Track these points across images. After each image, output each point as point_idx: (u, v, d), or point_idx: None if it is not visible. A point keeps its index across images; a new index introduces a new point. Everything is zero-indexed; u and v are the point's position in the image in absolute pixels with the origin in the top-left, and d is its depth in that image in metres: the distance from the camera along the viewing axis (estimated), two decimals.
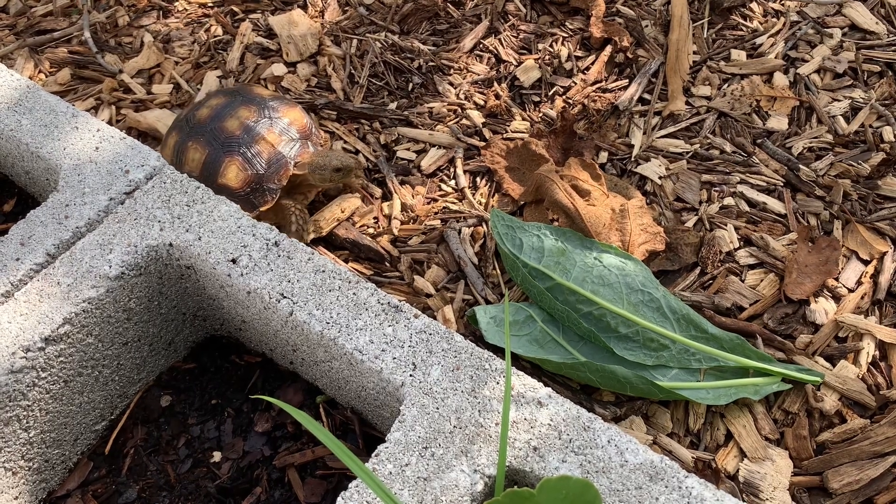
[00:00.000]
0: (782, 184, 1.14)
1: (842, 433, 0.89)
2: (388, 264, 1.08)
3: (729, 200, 1.12)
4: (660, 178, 1.15)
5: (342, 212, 1.12)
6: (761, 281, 1.03)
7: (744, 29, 1.36)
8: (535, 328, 0.96)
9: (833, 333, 0.97)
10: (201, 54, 1.38)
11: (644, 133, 1.22)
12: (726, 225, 1.09)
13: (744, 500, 0.85)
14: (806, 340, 0.97)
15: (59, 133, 0.93)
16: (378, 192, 1.17)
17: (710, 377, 0.93)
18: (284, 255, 0.81)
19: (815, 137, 1.19)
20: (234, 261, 0.81)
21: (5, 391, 0.74)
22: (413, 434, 0.68)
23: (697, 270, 1.05)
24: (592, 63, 1.32)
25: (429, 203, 1.15)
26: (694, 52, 1.32)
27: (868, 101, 1.22)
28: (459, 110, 1.27)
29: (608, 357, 0.93)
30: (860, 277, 1.03)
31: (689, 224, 1.10)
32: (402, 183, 1.18)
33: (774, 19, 1.37)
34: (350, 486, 0.66)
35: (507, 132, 1.24)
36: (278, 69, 1.33)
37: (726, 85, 1.27)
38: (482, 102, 1.27)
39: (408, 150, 1.22)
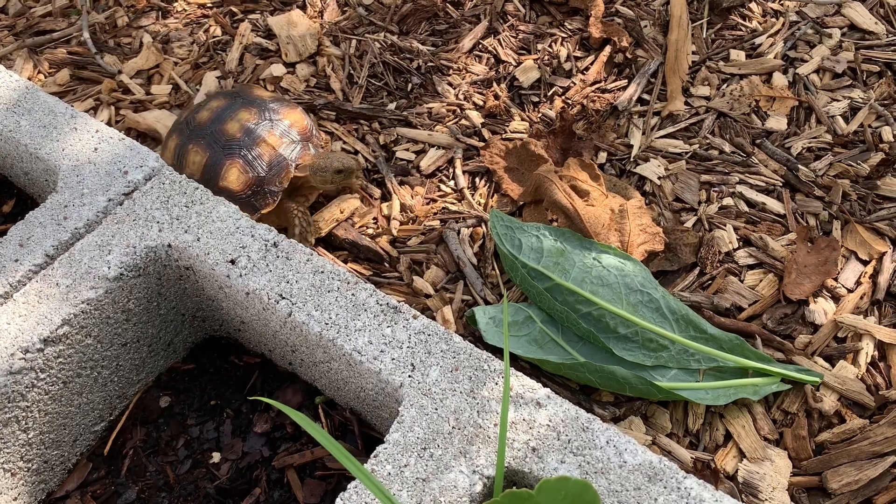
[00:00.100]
0: (781, 184, 1.14)
1: (841, 433, 0.89)
2: (387, 265, 1.08)
3: (728, 201, 1.12)
4: (659, 178, 1.15)
5: (341, 212, 1.12)
6: (760, 281, 1.03)
7: (743, 29, 1.36)
8: (534, 329, 0.96)
9: (832, 334, 0.97)
10: (200, 55, 1.38)
11: (643, 133, 1.22)
12: (725, 225, 1.09)
13: (743, 501, 0.85)
14: (805, 341, 0.97)
15: (58, 134, 0.93)
16: (377, 192, 1.17)
17: (710, 377, 0.93)
18: (283, 255, 0.81)
19: (815, 137, 1.19)
20: (232, 261, 0.81)
21: (4, 392, 0.74)
22: (412, 435, 0.68)
23: (696, 271, 1.05)
24: (591, 63, 1.32)
25: (428, 203, 1.15)
26: (693, 53, 1.32)
27: (867, 101, 1.22)
28: (458, 111, 1.27)
29: (607, 357, 0.93)
30: (859, 278, 1.03)
31: (689, 224, 1.10)
32: (401, 183, 1.18)
33: (773, 19, 1.37)
34: (349, 486, 0.66)
35: (506, 132, 1.24)
36: (277, 70, 1.33)
37: (725, 85, 1.27)
38: (481, 103, 1.28)
39: (407, 150, 1.22)
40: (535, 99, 1.28)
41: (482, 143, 1.22)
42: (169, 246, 0.83)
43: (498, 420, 0.69)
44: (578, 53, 1.34)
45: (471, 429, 0.69)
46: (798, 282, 1.02)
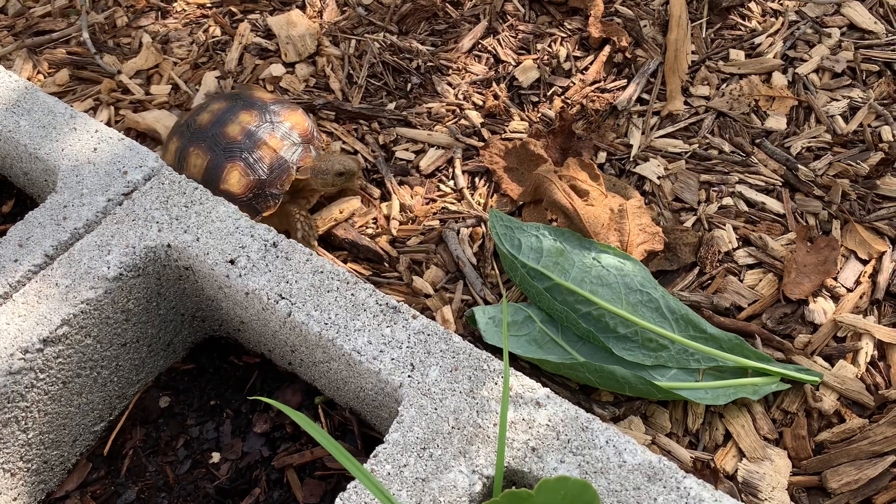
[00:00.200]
0: (781, 183, 1.14)
1: (840, 433, 0.89)
2: (386, 265, 1.08)
3: (727, 200, 1.12)
4: (658, 178, 1.15)
5: (341, 212, 1.12)
6: (760, 281, 1.03)
7: (742, 28, 1.36)
8: (533, 328, 0.96)
9: (832, 333, 0.97)
10: (200, 55, 1.38)
11: (642, 133, 1.22)
12: (725, 225, 1.09)
13: (742, 500, 0.85)
14: (805, 340, 0.97)
15: (58, 134, 0.93)
16: (377, 192, 1.17)
17: (709, 377, 0.93)
18: (283, 255, 0.81)
19: (814, 137, 1.19)
20: (232, 261, 0.81)
21: (4, 393, 0.74)
22: (411, 435, 0.68)
23: (696, 270, 1.05)
24: (591, 63, 1.32)
25: (427, 203, 1.15)
26: (692, 52, 1.32)
27: (867, 101, 1.22)
28: (458, 110, 1.27)
29: (607, 357, 0.93)
30: (859, 277, 1.03)
31: (688, 224, 1.10)
32: (400, 183, 1.18)
33: (773, 19, 1.37)
34: (348, 486, 0.66)
35: (505, 132, 1.24)
36: (277, 70, 1.33)
37: (725, 85, 1.27)
38: (481, 103, 1.28)
39: (406, 150, 1.22)
40: (535, 99, 1.28)
41: (482, 143, 1.22)
42: (168, 246, 0.83)
43: (497, 420, 0.69)
44: (578, 53, 1.34)
45: (470, 428, 0.69)
46: (798, 281, 1.02)
